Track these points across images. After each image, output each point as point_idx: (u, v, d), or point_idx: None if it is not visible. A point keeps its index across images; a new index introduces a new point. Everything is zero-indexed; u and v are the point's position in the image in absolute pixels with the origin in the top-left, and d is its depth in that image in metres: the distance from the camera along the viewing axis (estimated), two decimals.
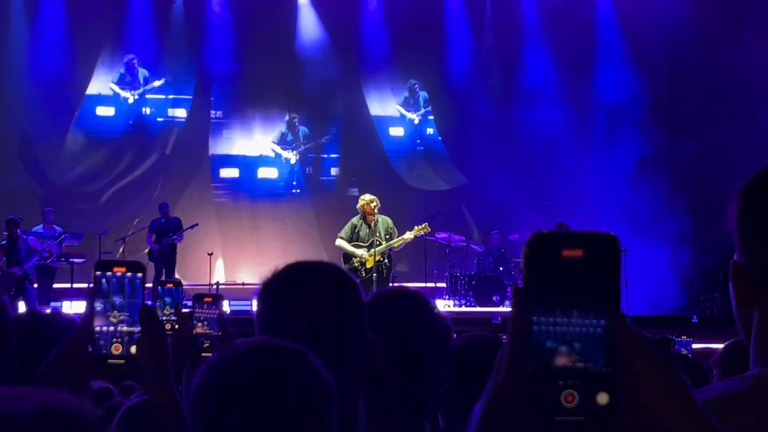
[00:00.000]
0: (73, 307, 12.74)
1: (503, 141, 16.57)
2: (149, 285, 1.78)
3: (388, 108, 18.16)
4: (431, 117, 18.10)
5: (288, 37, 17.32)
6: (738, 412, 1.23)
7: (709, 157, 14.85)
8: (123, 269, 1.63)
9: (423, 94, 18.10)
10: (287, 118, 17.58)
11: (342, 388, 1.49)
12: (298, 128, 17.57)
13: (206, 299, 2.56)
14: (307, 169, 17.78)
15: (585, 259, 0.88)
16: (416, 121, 18.14)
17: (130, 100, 17.17)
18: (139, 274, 1.64)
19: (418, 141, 18.20)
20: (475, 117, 17.09)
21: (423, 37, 17.42)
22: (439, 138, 18.14)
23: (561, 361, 0.87)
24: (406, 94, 18.13)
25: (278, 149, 17.53)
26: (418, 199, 16.64)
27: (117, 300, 1.62)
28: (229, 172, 17.60)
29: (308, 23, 17.57)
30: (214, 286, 14.45)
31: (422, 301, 2.12)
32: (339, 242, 11.66)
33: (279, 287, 1.85)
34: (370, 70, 17.62)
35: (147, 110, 17.32)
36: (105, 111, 17.18)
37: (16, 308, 12.35)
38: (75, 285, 13.63)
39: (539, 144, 16.28)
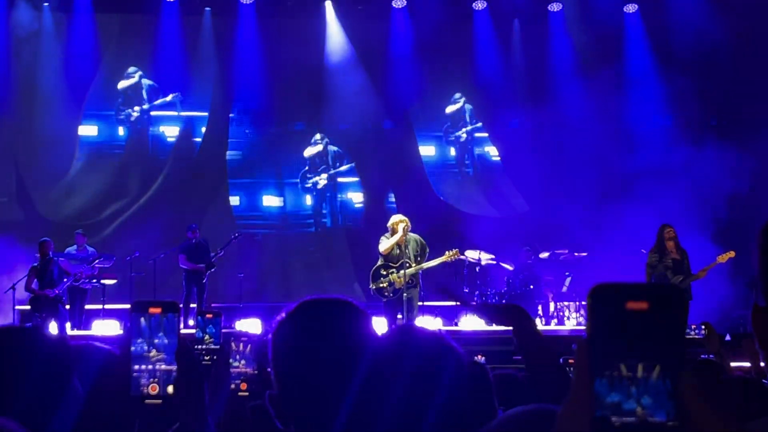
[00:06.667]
0: (104, 328, 12.86)
1: (554, 159, 16.03)
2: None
3: (430, 125, 17.31)
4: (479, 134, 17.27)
5: (316, 56, 16.70)
6: None
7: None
8: (158, 309, 1.64)
9: (469, 108, 17.22)
10: (317, 139, 16.88)
11: None
12: (328, 150, 16.87)
13: (242, 338, 2.60)
14: (339, 194, 16.98)
15: (650, 311, 0.89)
16: (463, 138, 17.32)
17: (133, 117, 16.45)
18: (175, 314, 1.65)
19: (467, 161, 17.34)
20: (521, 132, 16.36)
21: (457, 51, 16.84)
22: (491, 156, 17.18)
23: (623, 415, 0.87)
24: (452, 108, 17.25)
25: (306, 173, 16.84)
26: (464, 222, 15.85)
27: (154, 340, 1.63)
28: (250, 199, 16.82)
29: (337, 41, 16.85)
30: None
31: (438, 343, 2.11)
32: (382, 245, 11.41)
33: (292, 324, 1.85)
34: (407, 86, 16.58)
35: (158, 129, 16.64)
36: (107, 130, 16.44)
37: (47, 330, 12.44)
38: (107, 306, 13.70)
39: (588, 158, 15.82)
